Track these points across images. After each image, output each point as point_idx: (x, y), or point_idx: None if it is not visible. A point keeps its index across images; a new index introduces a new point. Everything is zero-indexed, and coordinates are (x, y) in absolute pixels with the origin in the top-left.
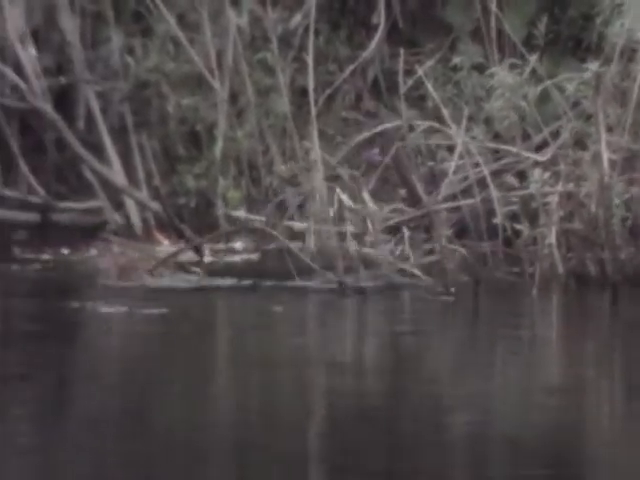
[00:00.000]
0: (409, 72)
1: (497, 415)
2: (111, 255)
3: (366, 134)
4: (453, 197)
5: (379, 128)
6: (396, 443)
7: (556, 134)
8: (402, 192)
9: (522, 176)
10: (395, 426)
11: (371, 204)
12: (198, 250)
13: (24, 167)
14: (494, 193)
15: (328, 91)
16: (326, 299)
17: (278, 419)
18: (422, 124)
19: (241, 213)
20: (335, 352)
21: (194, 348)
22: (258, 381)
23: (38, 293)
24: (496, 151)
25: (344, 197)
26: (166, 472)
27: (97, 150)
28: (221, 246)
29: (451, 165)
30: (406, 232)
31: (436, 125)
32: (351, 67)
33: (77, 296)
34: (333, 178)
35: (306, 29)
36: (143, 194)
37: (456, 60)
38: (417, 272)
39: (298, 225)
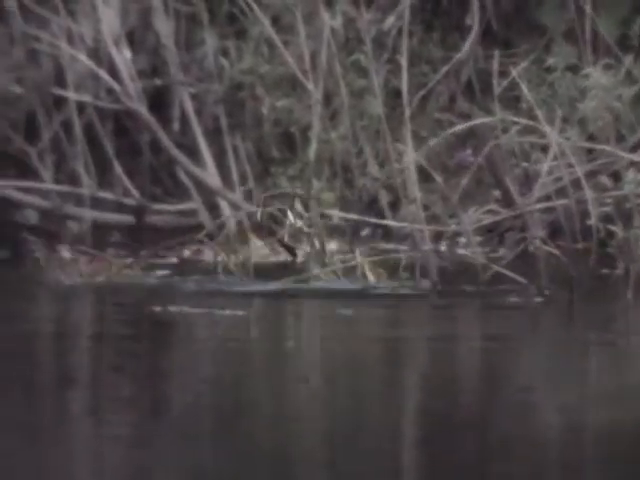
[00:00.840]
0: (503, 73)
1: (591, 420)
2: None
3: (456, 131)
4: (547, 198)
5: (471, 126)
6: (489, 446)
7: None
8: (496, 193)
9: (616, 177)
10: (487, 428)
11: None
12: (290, 250)
13: (119, 169)
14: (588, 194)
15: (422, 93)
16: (411, 302)
17: (368, 423)
18: (516, 123)
19: (335, 213)
20: (424, 356)
21: (280, 351)
22: (344, 386)
23: (126, 295)
24: (590, 152)
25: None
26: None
27: (192, 152)
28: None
29: (545, 166)
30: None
31: (530, 123)
32: (445, 68)
33: (158, 299)
34: (426, 179)
35: (400, 31)
36: (237, 196)
37: (550, 61)
38: (511, 274)
39: (393, 225)
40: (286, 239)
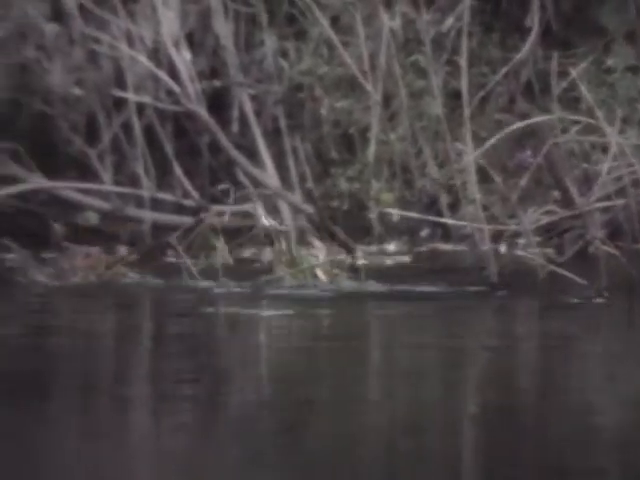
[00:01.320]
0: (563, 74)
1: None
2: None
3: (515, 130)
4: (606, 198)
5: (530, 126)
6: (544, 444)
7: None
8: (555, 193)
9: None
10: (543, 427)
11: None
12: (350, 252)
13: (178, 170)
14: None
15: (481, 93)
16: (464, 303)
17: (429, 423)
18: (576, 123)
19: (394, 211)
20: (481, 358)
21: (335, 351)
22: (406, 388)
23: (182, 297)
24: None
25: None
26: None
27: (251, 153)
28: (373, 248)
29: (604, 166)
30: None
31: (590, 121)
32: (504, 69)
33: (215, 300)
34: (485, 180)
35: (459, 31)
36: (296, 197)
37: (610, 62)
38: (570, 275)
39: (453, 225)
40: (261, 239)
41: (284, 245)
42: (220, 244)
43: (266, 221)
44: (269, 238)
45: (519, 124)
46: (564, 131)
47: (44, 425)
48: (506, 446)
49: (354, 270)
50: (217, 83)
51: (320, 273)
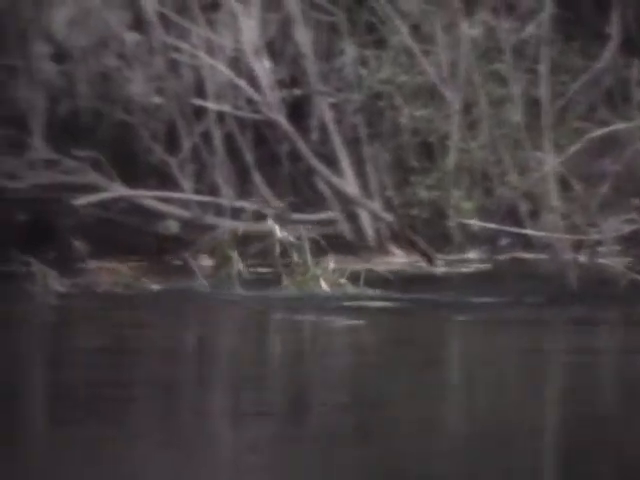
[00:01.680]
0: None
1: None
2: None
3: (594, 137)
4: None
5: (611, 134)
6: (624, 448)
7: None
8: (636, 202)
9: None
10: (624, 432)
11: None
12: (430, 260)
13: (258, 179)
14: None
15: (561, 102)
16: (544, 313)
17: (508, 432)
18: None
19: (474, 222)
20: (562, 367)
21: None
22: (481, 397)
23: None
24: None
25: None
26: None
27: (330, 161)
28: (454, 256)
29: None
30: None
31: None
32: (585, 77)
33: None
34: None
35: (539, 39)
36: (376, 205)
37: None
38: None
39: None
40: (278, 251)
41: (296, 257)
42: (234, 254)
43: (280, 233)
44: (284, 249)
45: (600, 131)
46: None
47: (129, 434)
48: (588, 456)
49: (432, 280)
50: (297, 92)
51: (323, 282)
